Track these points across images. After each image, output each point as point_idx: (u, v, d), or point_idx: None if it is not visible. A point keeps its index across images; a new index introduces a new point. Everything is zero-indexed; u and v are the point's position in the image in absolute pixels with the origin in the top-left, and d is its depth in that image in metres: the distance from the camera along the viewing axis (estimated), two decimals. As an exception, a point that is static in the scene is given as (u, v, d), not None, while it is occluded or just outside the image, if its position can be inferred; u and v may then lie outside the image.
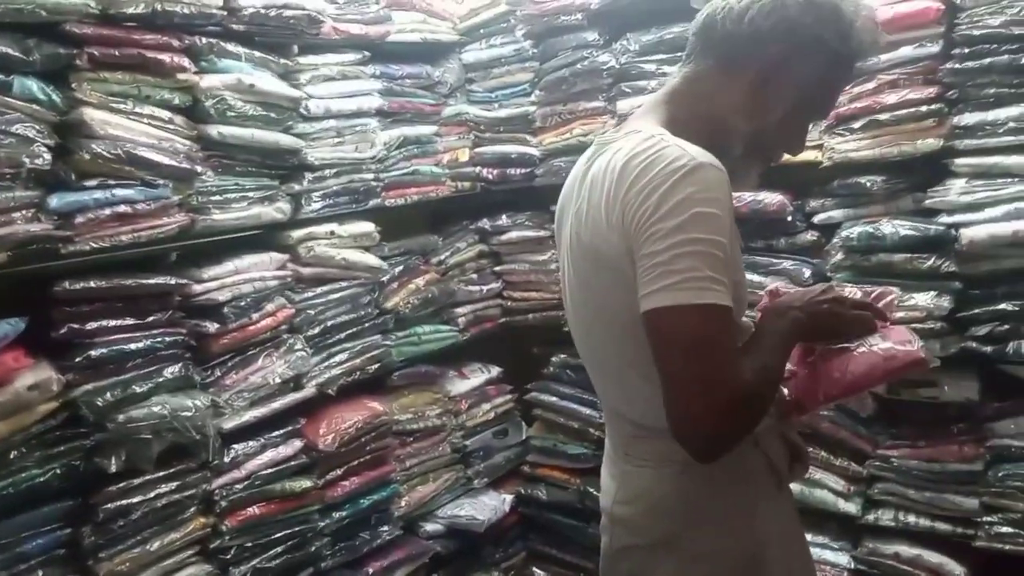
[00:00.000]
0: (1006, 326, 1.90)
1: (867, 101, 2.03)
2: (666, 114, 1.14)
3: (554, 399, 2.71)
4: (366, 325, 2.44)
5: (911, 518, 2.08)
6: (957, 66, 1.91)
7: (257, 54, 2.16)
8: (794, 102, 1.12)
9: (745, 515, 1.16)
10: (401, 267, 2.57)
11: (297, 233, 2.27)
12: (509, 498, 2.74)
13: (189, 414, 1.90)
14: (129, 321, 1.87)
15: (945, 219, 1.95)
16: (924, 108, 1.97)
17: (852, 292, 1.27)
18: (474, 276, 2.83)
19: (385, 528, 2.41)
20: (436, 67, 2.75)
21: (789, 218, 2.21)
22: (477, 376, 2.80)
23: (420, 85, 2.68)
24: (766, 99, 1.11)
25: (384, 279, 2.49)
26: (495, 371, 2.84)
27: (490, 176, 2.77)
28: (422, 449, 2.57)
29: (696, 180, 0.96)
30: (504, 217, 2.80)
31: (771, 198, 2.19)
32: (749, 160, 1.15)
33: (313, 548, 2.20)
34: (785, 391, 1.21)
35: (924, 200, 2.00)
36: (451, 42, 2.78)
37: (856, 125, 2.05)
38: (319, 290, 2.32)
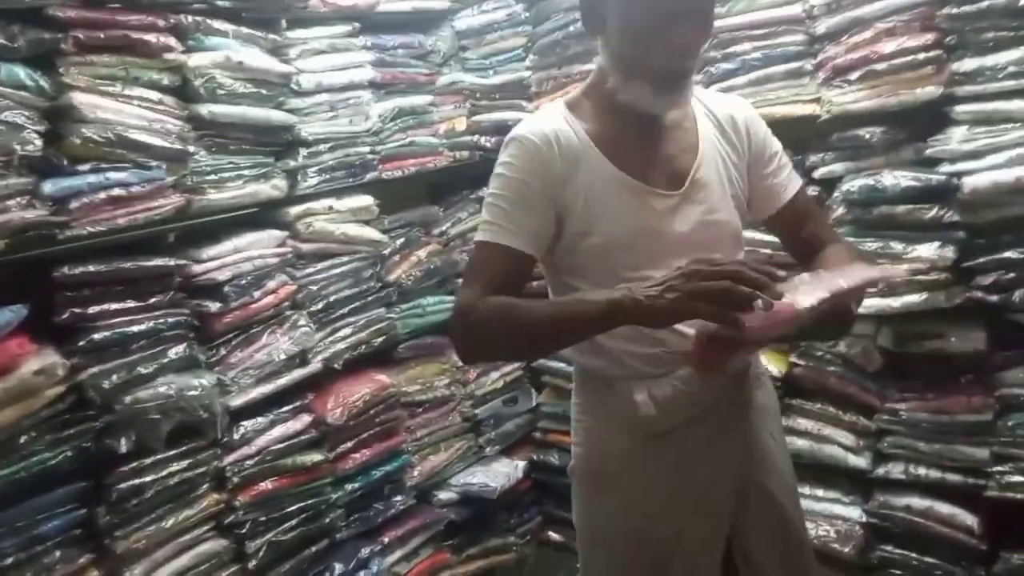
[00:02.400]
0: (1012, 274, 1.88)
1: (864, 51, 2.00)
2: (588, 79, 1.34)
3: (562, 365, 2.71)
4: (369, 299, 2.44)
5: (921, 470, 2.07)
6: (954, 11, 1.87)
7: (244, 30, 2.13)
8: (621, 15, 1.20)
9: (593, 437, 1.37)
10: (402, 239, 2.56)
11: (295, 209, 2.26)
12: (522, 464, 2.76)
13: (196, 393, 1.92)
14: (131, 304, 1.88)
15: (947, 168, 1.92)
16: (922, 56, 1.93)
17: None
18: (476, 246, 2.81)
19: (398, 498, 2.43)
20: (429, 36, 2.71)
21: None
22: (484, 345, 2.80)
23: (413, 55, 2.65)
24: (605, 26, 1.24)
25: (385, 252, 2.49)
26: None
27: (488, 144, 2.75)
28: (432, 419, 2.59)
29: (505, 149, 1.26)
30: (504, 185, 2.77)
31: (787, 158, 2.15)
32: (636, 85, 1.21)
33: (328, 520, 2.23)
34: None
35: (925, 150, 1.97)
36: (443, 9, 2.74)
37: (853, 76, 2.02)
38: (320, 266, 2.32)
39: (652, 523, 1.31)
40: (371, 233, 2.43)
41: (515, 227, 1.21)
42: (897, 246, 1.99)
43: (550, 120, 1.27)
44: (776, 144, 1.39)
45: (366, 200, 2.43)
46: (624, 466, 1.33)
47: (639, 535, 1.32)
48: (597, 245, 1.24)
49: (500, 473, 2.66)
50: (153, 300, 1.92)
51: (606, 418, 1.35)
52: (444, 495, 2.58)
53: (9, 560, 1.66)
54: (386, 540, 2.36)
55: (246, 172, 2.15)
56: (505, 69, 2.79)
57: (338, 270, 2.36)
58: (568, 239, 1.26)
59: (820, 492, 2.24)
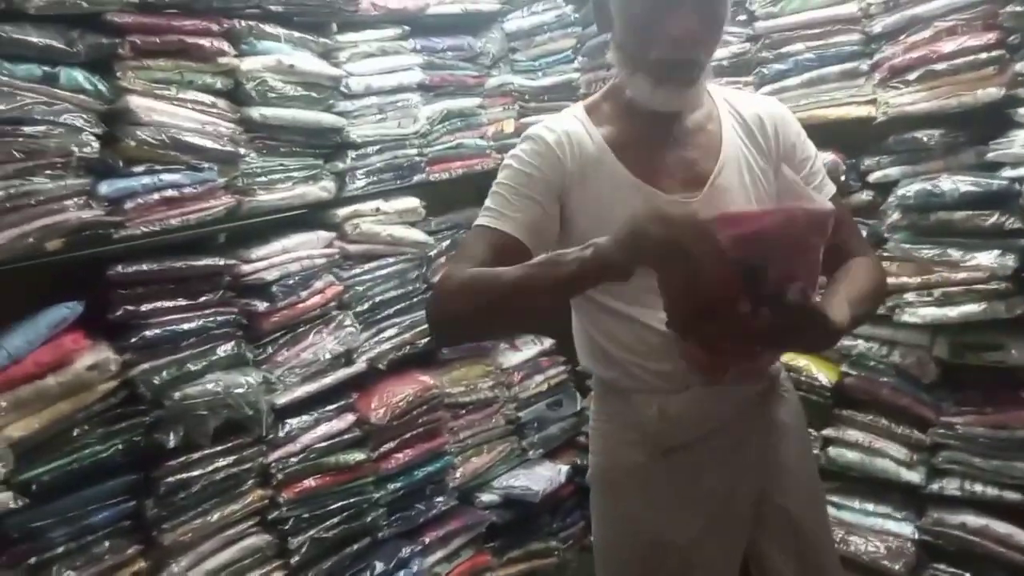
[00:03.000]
0: (1077, 284, 1.80)
1: (923, 50, 1.93)
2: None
3: (607, 370, 2.68)
4: (415, 300, 2.45)
5: (978, 487, 1.99)
6: (1018, 8, 1.80)
7: (296, 34, 2.17)
8: (619, 5, 1.19)
9: (608, 446, 1.36)
10: (448, 241, 2.57)
11: (343, 211, 2.29)
12: (565, 468, 2.74)
13: (242, 391, 1.95)
14: (182, 302, 1.93)
15: (1009, 173, 1.85)
16: (984, 55, 1.86)
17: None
18: (523, 248, 2.80)
19: (440, 499, 2.44)
20: (478, 38, 2.72)
21: (843, 178, 2.11)
22: (529, 348, 2.80)
23: (462, 57, 2.66)
24: (613, 23, 1.23)
25: (431, 254, 2.50)
26: (548, 343, 2.83)
27: (536, 146, 2.74)
28: (475, 421, 2.59)
29: (518, 145, 1.27)
30: (551, 188, 2.76)
31: (823, 157, 2.09)
32: (637, 79, 1.19)
33: (369, 519, 2.25)
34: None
35: (986, 153, 1.89)
36: (492, 11, 2.74)
37: (911, 77, 1.96)
38: (367, 266, 2.35)
39: (663, 537, 1.29)
40: (417, 235, 2.45)
41: (512, 214, 1.19)
42: (955, 253, 1.92)
43: (566, 122, 1.27)
44: (809, 148, 1.33)
45: (413, 202, 2.45)
46: (636, 477, 1.31)
47: (651, 547, 1.30)
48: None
49: (543, 477, 2.65)
50: (203, 299, 1.96)
51: (621, 428, 1.33)
52: (486, 497, 2.57)
53: (60, 549, 1.72)
54: (427, 540, 2.36)
55: (295, 174, 2.19)
56: (554, 71, 2.78)
57: (384, 271, 2.38)
58: (576, 239, 1.18)
59: (870, 507, 2.17)
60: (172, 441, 1.87)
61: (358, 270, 2.32)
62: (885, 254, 2.04)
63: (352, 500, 2.22)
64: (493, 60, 2.76)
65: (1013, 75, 1.83)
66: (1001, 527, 1.95)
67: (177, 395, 1.87)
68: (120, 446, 1.80)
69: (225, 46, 2.00)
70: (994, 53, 1.85)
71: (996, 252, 1.87)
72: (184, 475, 1.91)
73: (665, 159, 1.23)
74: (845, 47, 2.11)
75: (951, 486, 2.03)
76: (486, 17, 2.75)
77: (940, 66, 1.91)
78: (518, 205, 1.20)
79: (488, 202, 1.23)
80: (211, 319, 1.97)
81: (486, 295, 1.08)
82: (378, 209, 2.36)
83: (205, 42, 1.95)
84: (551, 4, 2.69)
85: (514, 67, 2.81)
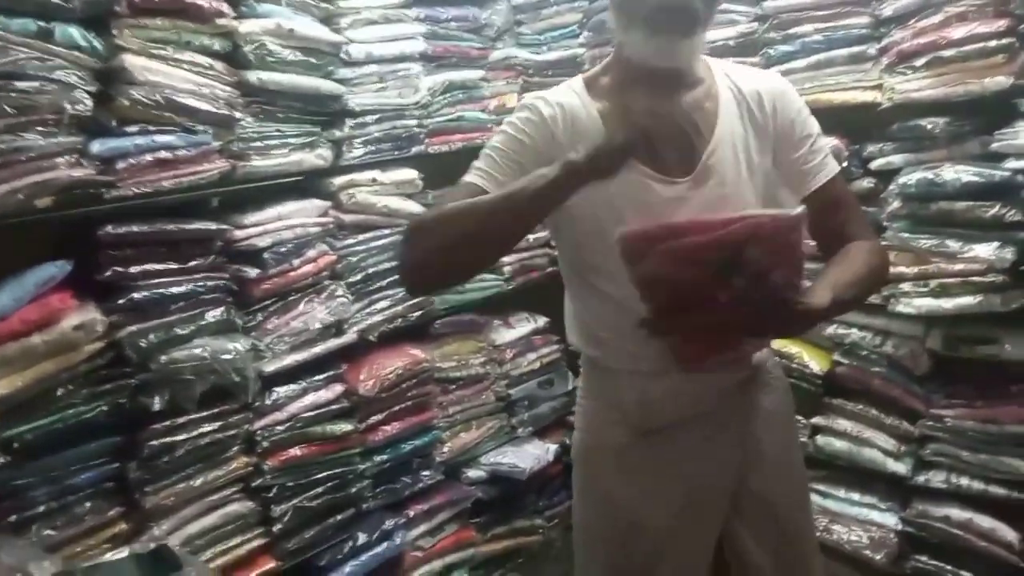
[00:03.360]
0: (1074, 280, 1.78)
1: (932, 36, 1.90)
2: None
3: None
4: (408, 272, 2.44)
5: (964, 480, 1.99)
6: (1032, -4, 1.76)
7: (297, -2, 2.14)
8: None
9: (591, 423, 1.37)
10: (445, 214, 2.55)
11: (339, 180, 2.27)
12: (554, 447, 2.74)
13: (230, 357, 1.94)
14: (172, 265, 1.91)
15: (1013, 164, 1.82)
16: (993, 43, 1.82)
17: None
18: (520, 225, 2.78)
19: (427, 473, 2.44)
20: (483, 9, 2.68)
21: (845, 163, 2.08)
22: (523, 326, 2.79)
23: (466, 28, 2.62)
24: None
25: (427, 227, 2.48)
26: (541, 321, 2.82)
27: (538, 122, 2.71)
28: (465, 397, 2.58)
29: (516, 111, 1.29)
30: (551, 164, 2.73)
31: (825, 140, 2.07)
32: (633, 33, 1.20)
33: (354, 490, 2.25)
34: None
35: (991, 144, 1.86)
36: (499, -17, 2.71)
37: (919, 63, 1.92)
38: (361, 237, 2.33)
39: (639, 517, 1.29)
40: (414, 207, 2.42)
41: (498, 175, 1.21)
42: (953, 244, 1.90)
43: (563, 94, 1.28)
44: (811, 126, 1.31)
45: (411, 174, 2.43)
46: (616, 456, 1.31)
47: (627, 527, 1.30)
48: (597, 229, 1.20)
49: (531, 455, 2.64)
50: (194, 263, 1.95)
51: (604, 407, 1.33)
52: (473, 473, 2.57)
53: (41, 508, 1.71)
54: (411, 514, 2.37)
55: (292, 140, 2.16)
56: (559, 45, 2.75)
57: (379, 242, 2.36)
58: (565, 219, 1.23)
59: (856, 496, 2.17)
60: (157, 404, 1.86)
61: (352, 240, 2.31)
62: (883, 243, 2.01)
63: (337, 471, 2.21)
64: (498, 32, 2.72)
65: (1022, 64, 1.80)
66: (985, 521, 1.95)
67: (164, 359, 1.86)
68: (104, 408, 1.79)
69: (224, 7, 1.97)
70: (1004, 41, 1.81)
71: (995, 244, 1.84)
72: (168, 439, 1.90)
73: (659, 137, 1.21)
74: (854, 30, 2.08)
75: (937, 478, 2.03)
76: (492, -12, 2.71)
77: (948, 52, 1.87)
78: (505, 168, 1.21)
79: (477, 162, 1.25)
80: (201, 284, 1.95)
81: (460, 225, 1.10)
82: (375, 180, 2.34)
83: (204, 2, 1.92)
84: (559, -23, 2.65)
85: (519, 40, 2.78)
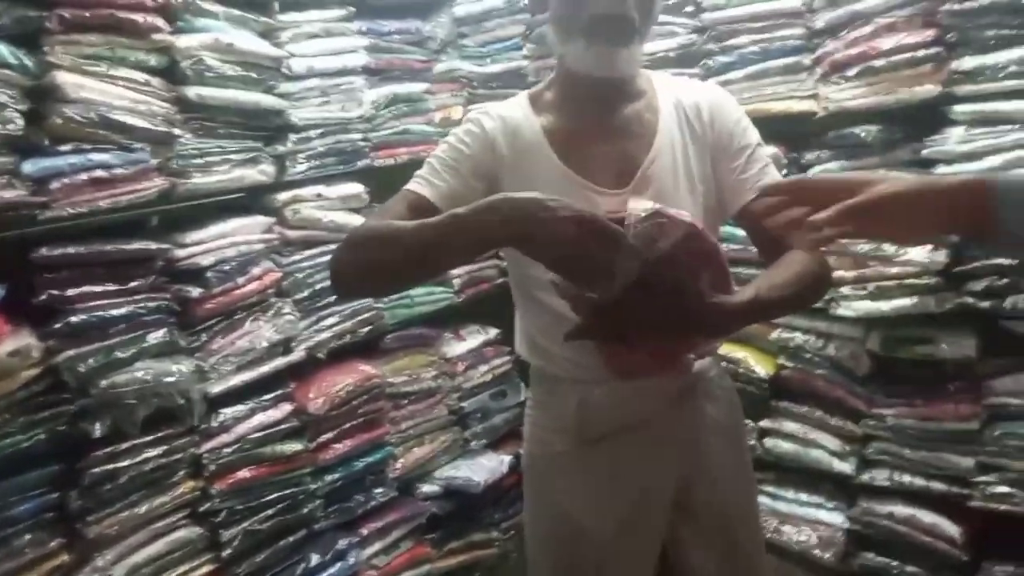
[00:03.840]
0: (1004, 281, 1.84)
1: (862, 47, 1.96)
2: None
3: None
4: (357, 288, 2.42)
5: (906, 478, 2.04)
6: (956, 7, 1.83)
7: (236, 12, 2.11)
8: None
9: (537, 433, 1.38)
10: (392, 228, 2.54)
11: (283, 196, 2.24)
12: (508, 459, 2.73)
13: (173, 379, 1.90)
14: (111, 287, 1.86)
15: (943, 169, 1.88)
16: (921, 52, 1.89)
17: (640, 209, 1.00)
18: (468, 237, 2.78)
19: (380, 490, 2.41)
20: (426, 22, 2.68)
21: (784, 171, 2.13)
22: (474, 338, 2.78)
23: (409, 41, 2.62)
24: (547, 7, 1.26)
25: (375, 241, 2.46)
26: (492, 332, 2.82)
27: (484, 134, 2.72)
28: (417, 411, 2.56)
29: (461, 124, 1.32)
30: (498, 176, 2.74)
31: (766, 150, 2.11)
32: (572, 44, 1.22)
33: (306, 510, 2.21)
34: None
35: (922, 150, 1.92)
36: (442, -4, 2.71)
37: (851, 73, 1.98)
38: (307, 253, 2.30)
39: (584, 526, 1.30)
40: (360, 221, 2.40)
41: (436, 182, 1.24)
42: (889, 248, 1.96)
43: (507, 108, 1.31)
44: (750, 137, 1.31)
45: (356, 188, 2.41)
46: (561, 466, 1.32)
47: (572, 536, 1.31)
48: None
49: (485, 467, 2.64)
50: (134, 284, 1.90)
51: (548, 416, 1.35)
52: (427, 488, 2.55)
53: (-23, 542, 1.66)
54: (365, 532, 2.34)
55: (233, 156, 2.13)
56: (503, 57, 2.76)
57: (325, 258, 2.33)
58: None
59: (804, 496, 2.22)
60: (98, 430, 1.81)
61: (298, 256, 2.28)
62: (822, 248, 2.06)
63: (288, 491, 2.17)
64: (441, 45, 2.73)
65: (949, 73, 1.87)
66: (928, 517, 2.00)
67: (104, 383, 1.81)
68: (43, 435, 1.74)
69: (160, 22, 1.93)
70: (931, 51, 1.88)
71: (928, 248, 1.90)
72: (111, 466, 1.85)
73: (600, 149, 1.24)
74: (789, 41, 2.13)
75: (880, 476, 2.08)
76: (435, 1, 2.72)
77: (879, 63, 1.93)
78: (444, 176, 1.24)
79: (418, 171, 1.28)
80: (142, 305, 1.91)
81: (391, 248, 1.08)
82: (320, 194, 2.31)
83: (138, 17, 1.88)
84: (501, -10, 2.66)
85: (462, 52, 2.78)
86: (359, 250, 1.13)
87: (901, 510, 2.03)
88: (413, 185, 1.25)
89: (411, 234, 1.05)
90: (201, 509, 2.02)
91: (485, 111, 1.31)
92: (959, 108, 1.86)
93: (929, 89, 1.89)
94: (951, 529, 1.96)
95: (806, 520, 2.19)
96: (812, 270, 1.24)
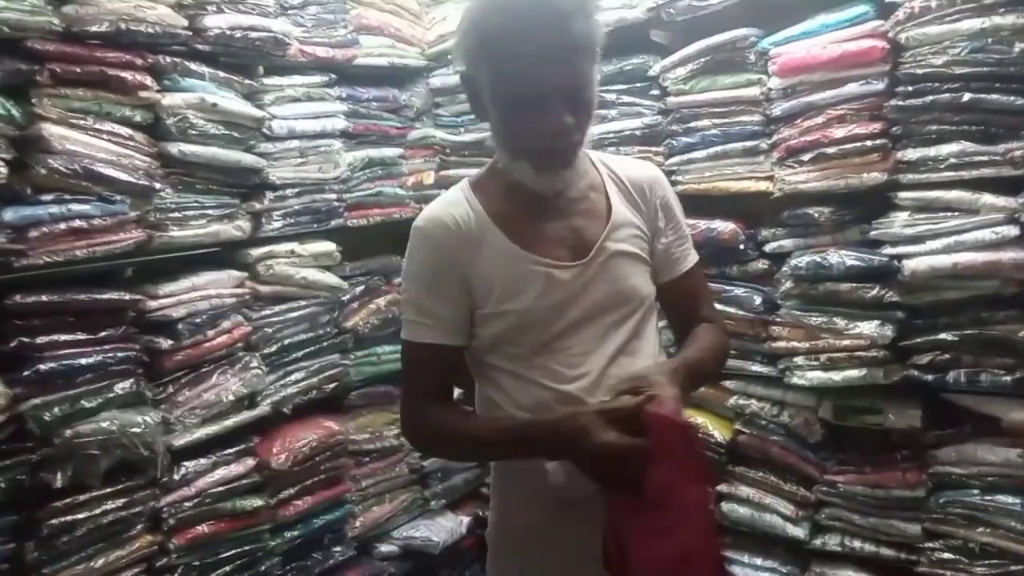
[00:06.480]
0: (947, 356, 1.95)
1: (816, 135, 2.09)
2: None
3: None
4: (324, 344, 2.45)
5: (857, 543, 2.10)
6: (901, 103, 1.97)
7: (221, 74, 2.18)
8: (492, 104, 1.21)
9: (507, 502, 1.39)
10: (362, 287, 2.58)
11: (257, 251, 2.28)
12: (467, 520, 2.74)
13: (138, 430, 1.89)
14: (81, 336, 1.87)
15: (889, 250, 2.00)
16: (869, 143, 2.03)
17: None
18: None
19: (338, 549, 2.40)
20: (404, 91, 2.79)
21: (741, 246, 2.25)
22: (437, 398, 2.80)
23: (387, 108, 2.72)
24: (485, 110, 1.24)
25: (345, 299, 2.51)
26: (455, 393, 2.84)
27: (454, 199, 2.80)
28: (379, 469, 2.58)
29: (410, 241, 1.30)
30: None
31: (724, 226, 2.23)
32: (519, 165, 1.24)
33: (263, 568, 2.19)
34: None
35: (869, 231, 2.05)
36: (419, 67, 2.82)
37: (805, 158, 2.11)
38: (277, 308, 2.33)
39: None
40: (331, 279, 2.45)
41: (433, 321, 1.25)
42: (840, 322, 2.06)
43: (450, 203, 1.29)
44: (679, 213, 1.40)
45: (329, 246, 2.46)
46: (534, 535, 1.31)
47: None
48: (512, 323, 1.24)
49: (444, 528, 2.64)
50: (104, 333, 1.91)
51: (519, 484, 1.33)
52: (385, 548, 2.54)
53: (-72, 592, 1.61)
54: (323, 591, 2.32)
55: (211, 211, 2.17)
56: (475, 127, 2.85)
57: (295, 314, 2.37)
58: (483, 319, 1.26)
59: (759, 561, 2.26)
60: (59, 481, 1.80)
61: (268, 311, 2.31)
62: (778, 319, 2.17)
63: (246, 548, 2.16)
64: (417, 113, 2.83)
65: (895, 162, 2.01)
66: (877, 582, 2.06)
67: (68, 432, 1.80)
68: (2, 484, 1.71)
69: (148, 80, 1.99)
70: (879, 141, 2.02)
71: (876, 322, 2.01)
72: (69, 517, 1.83)
73: (550, 229, 1.27)
74: (747, 126, 2.26)
75: (832, 541, 2.14)
76: (412, 72, 2.83)
77: (831, 150, 2.07)
78: (434, 309, 1.25)
79: (405, 311, 1.29)
80: (110, 355, 1.91)
81: (468, 452, 1.36)
82: (293, 251, 2.36)
83: (127, 75, 1.94)
84: (475, 64, 2.77)
85: (437, 121, 2.89)
86: (440, 451, 1.43)
87: (853, 575, 2.09)
88: (413, 335, 1.26)
89: (487, 443, 1.27)
90: (158, 564, 1.99)
91: (427, 218, 1.28)
92: (904, 194, 2.00)
93: (876, 176, 2.03)
94: (900, 596, 2.02)
95: (761, 585, 2.23)
96: (724, 343, 1.41)
